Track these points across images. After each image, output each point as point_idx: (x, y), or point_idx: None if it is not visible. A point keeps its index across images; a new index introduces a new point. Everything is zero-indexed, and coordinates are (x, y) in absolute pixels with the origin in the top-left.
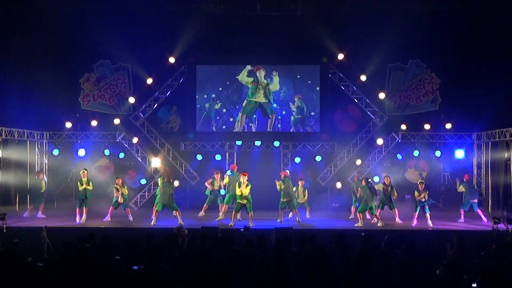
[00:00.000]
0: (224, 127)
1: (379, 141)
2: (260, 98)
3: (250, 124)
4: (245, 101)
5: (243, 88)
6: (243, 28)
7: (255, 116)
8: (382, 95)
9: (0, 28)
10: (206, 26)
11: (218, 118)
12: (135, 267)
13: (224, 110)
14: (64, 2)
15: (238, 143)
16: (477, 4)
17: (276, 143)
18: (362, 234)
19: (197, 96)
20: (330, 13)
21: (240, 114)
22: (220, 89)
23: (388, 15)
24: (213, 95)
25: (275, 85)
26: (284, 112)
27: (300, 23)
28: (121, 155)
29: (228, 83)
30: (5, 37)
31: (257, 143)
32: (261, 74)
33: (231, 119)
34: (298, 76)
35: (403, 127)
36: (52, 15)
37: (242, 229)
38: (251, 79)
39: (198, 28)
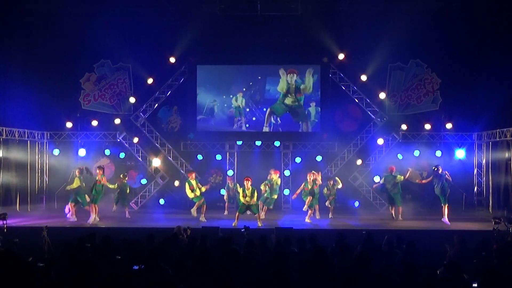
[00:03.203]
0: (247, 125)
1: (380, 141)
2: (290, 101)
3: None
4: (277, 102)
5: (265, 88)
6: (243, 28)
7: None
8: (382, 95)
9: (1, 28)
10: (206, 26)
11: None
12: (135, 267)
13: (248, 110)
14: (64, 2)
15: (239, 143)
16: (477, 4)
17: (277, 143)
18: (363, 232)
19: (226, 96)
20: (330, 13)
21: (267, 111)
22: (244, 89)
23: (388, 15)
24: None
25: (307, 87)
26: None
27: (300, 23)
28: (122, 155)
29: (251, 83)
30: (6, 36)
31: (258, 143)
32: (292, 77)
33: (254, 118)
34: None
35: (404, 127)
36: (52, 15)
37: (242, 229)
38: (285, 86)
39: (198, 28)
